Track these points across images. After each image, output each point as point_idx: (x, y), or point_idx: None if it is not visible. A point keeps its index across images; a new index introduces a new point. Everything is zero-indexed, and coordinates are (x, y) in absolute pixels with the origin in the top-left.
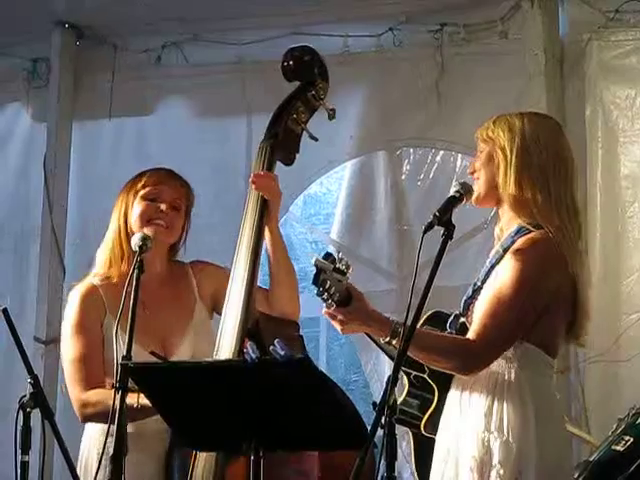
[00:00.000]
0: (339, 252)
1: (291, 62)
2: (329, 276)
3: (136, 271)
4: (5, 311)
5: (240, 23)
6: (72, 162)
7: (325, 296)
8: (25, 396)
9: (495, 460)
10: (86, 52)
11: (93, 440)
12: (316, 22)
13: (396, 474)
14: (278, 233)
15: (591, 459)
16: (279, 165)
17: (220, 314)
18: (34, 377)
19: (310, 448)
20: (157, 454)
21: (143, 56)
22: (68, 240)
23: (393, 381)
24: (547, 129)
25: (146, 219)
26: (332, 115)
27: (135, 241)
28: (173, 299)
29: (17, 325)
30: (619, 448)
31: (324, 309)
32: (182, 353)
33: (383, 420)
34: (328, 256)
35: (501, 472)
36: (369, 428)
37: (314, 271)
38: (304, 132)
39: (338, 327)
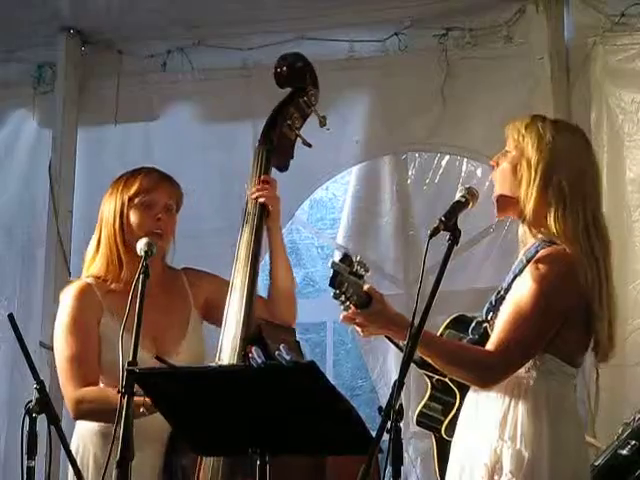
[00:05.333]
0: (357, 255)
1: (284, 68)
2: (346, 278)
3: (142, 276)
4: (11, 316)
5: (245, 28)
6: (78, 168)
7: (342, 299)
8: (31, 401)
9: (506, 469)
10: (91, 57)
11: (86, 441)
12: (321, 27)
13: (402, 479)
14: (280, 240)
15: (596, 463)
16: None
17: (212, 323)
18: (40, 382)
19: (314, 453)
20: (156, 453)
21: (148, 61)
22: (74, 246)
23: (399, 386)
24: (576, 146)
25: (146, 230)
26: (323, 122)
27: (140, 246)
28: (169, 304)
29: (24, 330)
30: (625, 452)
31: (342, 313)
32: (180, 358)
33: (389, 425)
34: (345, 258)
35: None
36: (375, 433)
37: (331, 273)
38: (298, 138)
39: (358, 330)
